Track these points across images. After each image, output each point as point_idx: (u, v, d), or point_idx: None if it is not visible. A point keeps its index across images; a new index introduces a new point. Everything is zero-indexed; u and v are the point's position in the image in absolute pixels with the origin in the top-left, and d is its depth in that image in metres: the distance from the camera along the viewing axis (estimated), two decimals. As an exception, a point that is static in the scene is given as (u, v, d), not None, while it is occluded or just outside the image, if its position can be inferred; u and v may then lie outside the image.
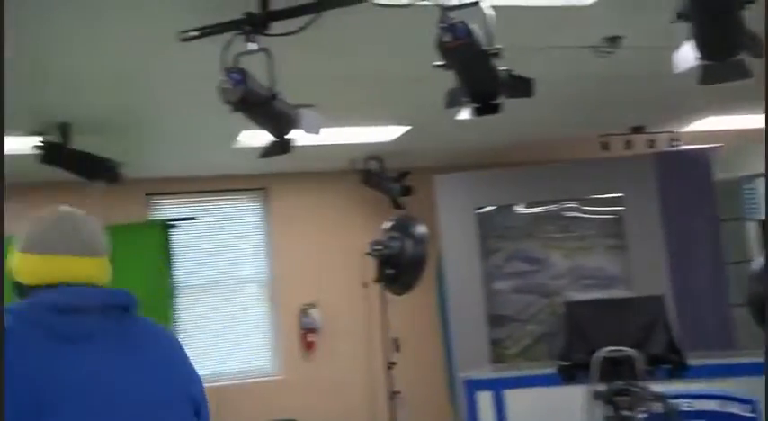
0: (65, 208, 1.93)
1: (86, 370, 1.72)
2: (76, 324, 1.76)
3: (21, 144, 4.74)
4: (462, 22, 2.49)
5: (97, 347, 1.77)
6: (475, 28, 2.56)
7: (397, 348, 5.00)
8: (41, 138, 4.53)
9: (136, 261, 5.71)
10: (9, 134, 4.62)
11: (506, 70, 2.85)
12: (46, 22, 3.08)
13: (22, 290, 1.85)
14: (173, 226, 5.95)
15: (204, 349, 6.60)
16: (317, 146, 5.38)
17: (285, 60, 3.04)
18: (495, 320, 6.45)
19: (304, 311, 6.78)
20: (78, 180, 4.83)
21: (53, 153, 4.59)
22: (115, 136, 4.88)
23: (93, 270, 1.89)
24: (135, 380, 1.80)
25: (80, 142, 4.61)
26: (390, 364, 4.78)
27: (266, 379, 6.78)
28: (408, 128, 5.55)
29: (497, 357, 6.35)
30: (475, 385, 5.01)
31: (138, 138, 5.12)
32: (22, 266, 1.84)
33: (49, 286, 1.80)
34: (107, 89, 4.05)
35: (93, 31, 3.23)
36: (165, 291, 5.76)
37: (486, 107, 2.85)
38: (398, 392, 4.70)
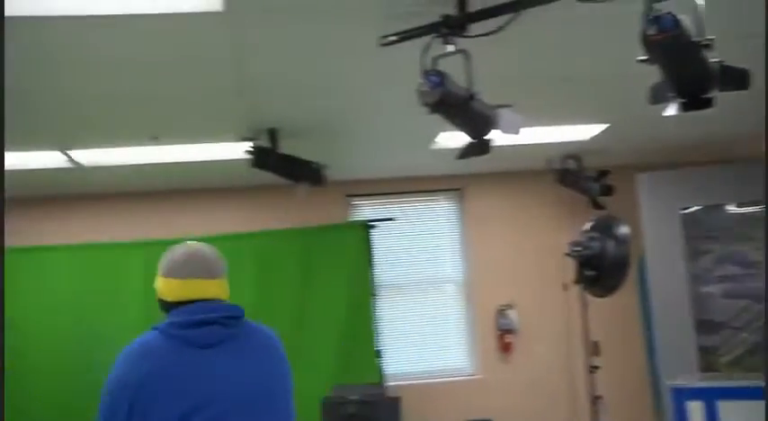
0: (193, 242, 2.58)
1: (213, 368, 2.34)
2: (205, 334, 2.38)
3: (233, 150, 5.08)
4: (669, 12, 2.37)
5: (219, 350, 2.38)
6: (683, 18, 2.43)
7: (597, 352, 4.85)
8: (251, 144, 4.81)
9: (338, 260, 5.94)
10: (222, 141, 4.97)
11: (718, 61, 2.68)
12: (249, 32, 3.27)
13: (165, 305, 2.49)
14: (373, 226, 6.12)
15: (402, 348, 6.74)
16: (513, 146, 5.34)
17: (483, 61, 3.05)
18: (705, 326, 6.08)
19: (501, 312, 6.75)
20: (285, 183, 5.08)
21: (262, 157, 4.82)
22: (318, 139, 5.09)
23: (217, 289, 2.51)
24: (249, 374, 2.39)
25: (286, 146, 4.84)
26: (592, 368, 4.64)
27: (464, 378, 6.81)
28: (606, 125, 5.38)
29: (707, 365, 5.99)
30: (685, 394, 4.76)
31: (339, 142, 5.31)
32: (165, 288, 2.49)
33: (187, 302, 2.44)
34: (311, 95, 4.23)
35: (297, 40, 3.39)
36: (366, 291, 5.94)
37: (695, 102, 2.69)
38: (600, 397, 4.56)
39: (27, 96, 3.89)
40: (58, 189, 6.22)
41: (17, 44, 3.15)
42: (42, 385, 5.47)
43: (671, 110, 2.74)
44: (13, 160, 5.10)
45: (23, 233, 6.29)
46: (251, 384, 2.38)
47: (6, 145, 4.76)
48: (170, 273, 2.48)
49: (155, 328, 2.41)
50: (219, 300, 2.49)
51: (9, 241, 5.89)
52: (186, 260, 2.49)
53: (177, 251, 2.53)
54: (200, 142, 5.04)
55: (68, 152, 5.04)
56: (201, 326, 2.39)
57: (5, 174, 4.67)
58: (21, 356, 5.44)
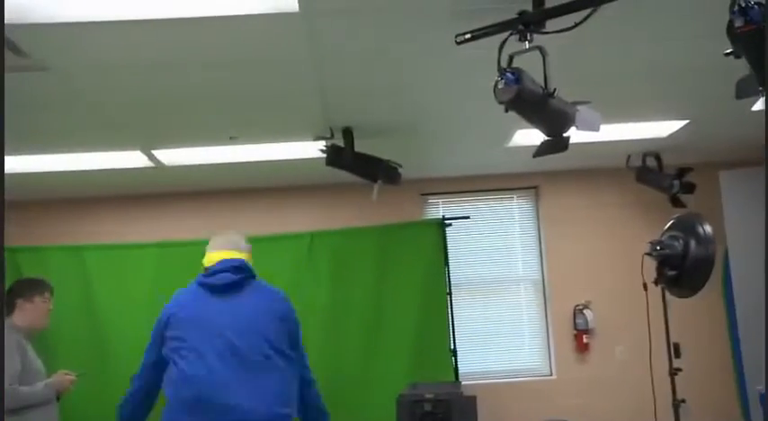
0: (229, 231, 4.12)
1: (221, 305, 3.75)
2: (219, 279, 3.81)
3: (309, 149, 5.13)
4: (759, 3, 2.29)
5: (228, 296, 3.78)
6: (772, 9, 2.34)
7: (678, 354, 4.72)
8: (326, 143, 4.84)
9: (413, 258, 5.94)
10: (298, 140, 5.03)
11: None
12: (324, 32, 3.30)
13: (205, 270, 3.91)
14: (448, 224, 6.10)
15: (477, 347, 6.71)
16: (590, 143, 5.26)
17: (560, 57, 3.00)
18: (792, 328, 5.87)
19: (578, 312, 6.66)
20: (360, 181, 5.11)
21: (336, 156, 4.86)
22: (394, 138, 5.10)
23: (233, 255, 3.91)
24: (245, 308, 3.76)
25: (362, 145, 4.87)
26: (675, 371, 4.52)
27: (540, 378, 6.74)
28: (686, 122, 5.24)
29: (796, 369, 5.79)
30: (773, 399, 4.60)
31: (414, 140, 5.31)
32: (206, 259, 3.94)
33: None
34: (386, 94, 4.25)
35: (371, 40, 3.41)
36: (441, 289, 5.93)
37: (784, 96, 2.59)
38: (683, 401, 4.44)
39: (110, 99, 4.01)
40: (139, 188, 6.40)
41: (99, 50, 3.26)
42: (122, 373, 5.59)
43: (759, 104, 2.64)
44: (96, 161, 5.28)
45: (107, 231, 6.50)
46: (244, 316, 3.71)
47: (88, 146, 4.93)
48: (207, 249, 3.99)
49: (194, 281, 3.89)
50: (231, 259, 3.87)
51: (91, 239, 6.14)
52: (215, 239, 4.02)
53: (217, 235, 4.07)
54: (277, 141, 5.11)
55: (152, 152, 5.18)
56: (216, 274, 3.82)
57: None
58: (102, 348, 5.64)
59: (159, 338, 3.82)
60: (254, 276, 3.93)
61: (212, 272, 3.83)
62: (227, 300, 3.77)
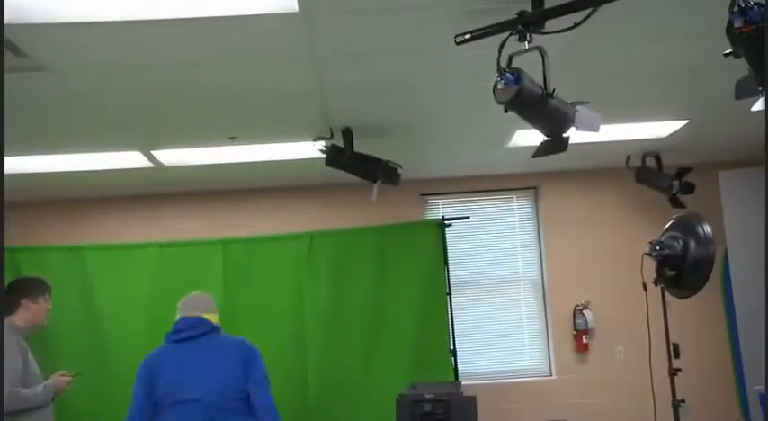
0: (195, 292, 4.30)
1: (186, 357, 4.00)
2: (184, 337, 4.07)
3: (308, 149, 5.13)
4: (758, 3, 2.29)
5: (192, 347, 4.04)
6: (771, 10, 2.34)
7: (677, 354, 4.72)
8: (325, 143, 4.84)
9: (413, 259, 5.94)
10: (297, 140, 5.03)
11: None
12: (324, 32, 3.30)
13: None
14: (447, 225, 6.10)
15: (478, 347, 6.71)
16: (589, 143, 5.26)
17: (559, 57, 3.00)
18: (792, 328, 5.87)
19: (578, 312, 6.66)
20: (360, 181, 5.11)
21: (336, 156, 4.85)
22: (393, 138, 5.10)
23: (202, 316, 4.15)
24: (208, 360, 3.99)
25: (361, 146, 4.87)
26: (674, 371, 4.52)
27: (539, 378, 6.74)
28: (686, 122, 5.24)
29: (795, 369, 5.78)
30: (772, 399, 4.60)
31: (414, 140, 5.31)
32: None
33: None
34: (386, 94, 4.25)
35: (371, 40, 3.41)
36: (440, 289, 5.92)
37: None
38: (683, 401, 4.44)
39: (110, 99, 4.01)
40: (139, 188, 6.40)
41: (99, 50, 3.26)
42: (122, 373, 5.58)
43: (759, 104, 2.65)
44: (96, 161, 5.28)
45: (107, 231, 6.51)
46: (206, 366, 3.97)
47: (88, 146, 4.93)
48: (179, 311, 4.21)
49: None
50: (198, 319, 4.11)
51: (91, 239, 6.14)
52: (186, 302, 4.22)
53: (186, 297, 4.26)
54: (277, 142, 5.11)
55: (151, 152, 5.18)
56: (181, 333, 4.09)
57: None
58: (103, 348, 5.64)
59: None
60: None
61: (177, 329, 4.20)
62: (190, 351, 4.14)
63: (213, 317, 4.20)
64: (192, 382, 3.94)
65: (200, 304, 4.21)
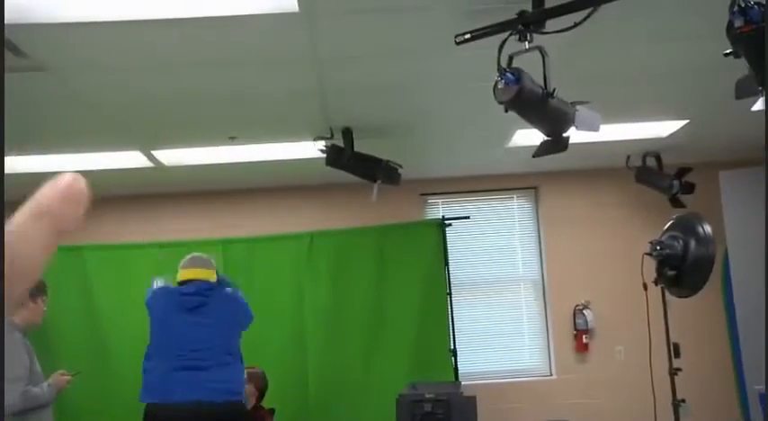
0: (197, 253, 4.55)
1: (187, 319, 4.24)
2: (187, 301, 4.28)
3: (308, 149, 5.13)
4: (758, 3, 2.29)
5: (196, 313, 4.27)
6: (772, 10, 2.34)
7: (677, 354, 4.72)
8: (325, 143, 4.84)
9: (413, 258, 5.94)
10: (297, 140, 5.02)
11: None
12: (324, 32, 3.30)
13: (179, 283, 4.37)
14: (448, 225, 6.10)
15: (478, 347, 6.71)
16: (589, 143, 5.26)
17: (560, 57, 3.00)
18: (792, 328, 5.87)
19: (578, 312, 6.65)
20: (360, 181, 5.11)
21: (336, 156, 4.86)
22: (394, 138, 5.10)
23: (204, 275, 4.39)
24: (206, 324, 4.25)
25: (362, 146, 4.87)
26: (675, 371, 4.52)
27: (540, 378, 6.74)
28: (686, 122, 5.24)
29: (795, 369, 5.78)
30: (772, 399, 4.60)
31: (414, 140, 5.31)
32: (178, 275, 4.42)
33: (185, 282, 4.39)
34: (386, 94, 4.25)
35: (372, 40, 3.41)
36: (440, 289, 5.92)
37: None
38: (683, 401, 4.44)
39: (110, 99, 4.01)
40: (139, 188, 6.40)
41: (99, 50, 3.26)
42: (122, 373, 5.58)
43: (759, 104, 2.65)
44: (96, 161, 5.28)
45: (107, 231, 6.50)
46: (209, 330, 4.23)
47: (88, 146, 4.93)
48: (180, 267, 4.44)
49: (163, 286, 4.61)
50: (201, 280, 4.35)
51: (91, 239, 6.14)
52: (189, 259, 4.45)
53: (187, 256, 4.50)
54: (277, 141, 5.11)
55: (151, 152, 5.18)
56: (187, 295, 4.30)
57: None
58: (103, 348, 5.64)
59: None
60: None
61: (183, 292, 4.46)
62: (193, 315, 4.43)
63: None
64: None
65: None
